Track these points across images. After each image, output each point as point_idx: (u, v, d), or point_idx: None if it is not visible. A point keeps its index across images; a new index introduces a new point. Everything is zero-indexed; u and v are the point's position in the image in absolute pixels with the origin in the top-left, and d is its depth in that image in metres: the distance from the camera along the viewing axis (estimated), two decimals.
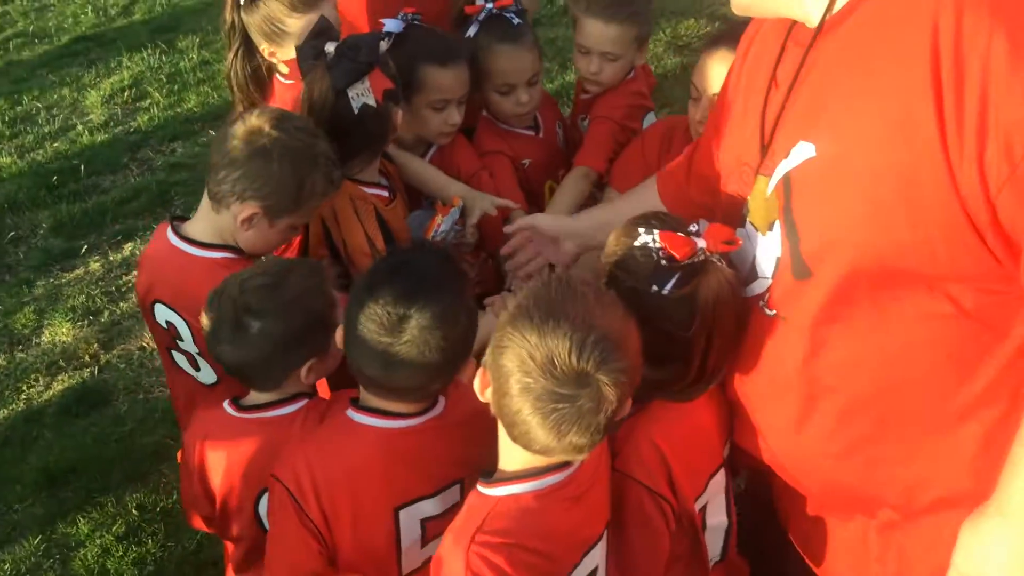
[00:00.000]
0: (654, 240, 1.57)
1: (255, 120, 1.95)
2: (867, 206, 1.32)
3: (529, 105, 2.60)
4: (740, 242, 1.57)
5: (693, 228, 1.59)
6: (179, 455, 2.01)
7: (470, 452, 1.66)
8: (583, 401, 1.36)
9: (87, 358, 3.61)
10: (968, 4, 1.19)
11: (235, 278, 1.84)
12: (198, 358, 2.08)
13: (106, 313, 3.83)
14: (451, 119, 2.46)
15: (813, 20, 1.43)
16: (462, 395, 1.71)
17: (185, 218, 2.13)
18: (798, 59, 1.46)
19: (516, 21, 2.54)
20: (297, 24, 2.39)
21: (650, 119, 2.77)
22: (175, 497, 2.96)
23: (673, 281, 1.55)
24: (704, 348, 1.59)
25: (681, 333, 1.56)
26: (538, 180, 2.70)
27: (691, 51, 5.15)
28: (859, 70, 1.33)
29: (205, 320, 1.84)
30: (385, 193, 2.30)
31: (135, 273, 4.00)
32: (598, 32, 2.57)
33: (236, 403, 1.89)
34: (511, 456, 1.50)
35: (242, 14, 2.45)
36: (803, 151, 1.40)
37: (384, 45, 2.17)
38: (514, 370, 1.38)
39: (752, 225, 1.57)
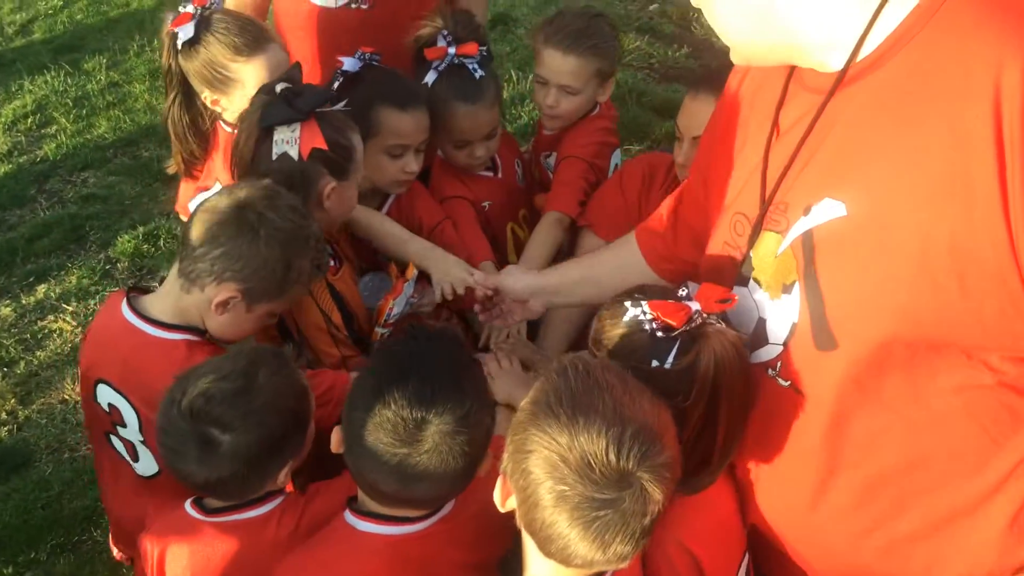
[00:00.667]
0: (644, 312, 1.45)
1: (242, 195, 1.78)
2: (914, 271, 1.22)
3: (485, 157, 2.49)
4: (735, 299, 1.47)
5: (682, 292, 1.48)
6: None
7: (484, 551, 1.52)
8: (627, 504, 1.22)
9: (3, 415, 3.34)
10: None
11: (194, 384, 1.61)
12: (139, 447, 1.89)
13: (22, 364, 3.55)
14: (408, 167, 2.32)
15: (829, 66, 1.32)
16: (472, 488, 1.55)
17: (145, 289, 1.95)
18: (808, 106, 1.35)
19: (479, 73, 2.40)
20: (242, 69, 2.24)
21: (616, 155, 2.69)
22: (109, 565, 2.75)
23: (674, 352, 1.43)
24: (711, 422, 1.47)
25: (682, 406, 1.44)
26: (499, 222, 2.59)
27: (621, 67, 5.10)
28: (901, 125, 1.22)
29: (162, 436, 1.65)
30: (331, 262, 2.13)
31: (51, 318, 3.81)
32: (556, 63, 2.48)
33: (199, 505, 1.69)
34: (541, 571, 1.35)
35: (180, 59, 2.27)
36: (829, 209, 1.30)
37: (341, 106, 2.03)
38: (545, 477, 1.24)
39: (757, 284, 1.45)
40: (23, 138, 4.89)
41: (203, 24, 2.26)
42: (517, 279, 2.13)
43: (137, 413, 1.84)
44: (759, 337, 1.47)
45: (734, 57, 1.48)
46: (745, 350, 1.49)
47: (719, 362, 1.43)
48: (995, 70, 1.11)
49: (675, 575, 1.51)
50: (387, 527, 1.51)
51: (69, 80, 5.31)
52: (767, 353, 1.46)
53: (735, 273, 1.50)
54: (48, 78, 5.32)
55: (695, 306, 1.45)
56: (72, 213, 4.32)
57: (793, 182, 1.37)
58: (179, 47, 2.27)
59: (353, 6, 2.63)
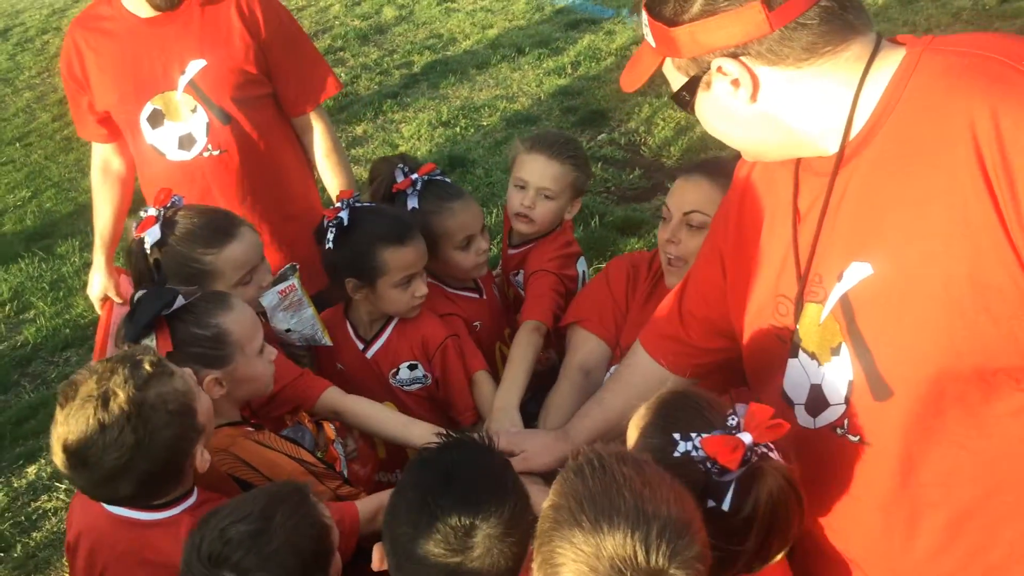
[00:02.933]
0: (696, 449, 1.43)
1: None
2: (944, 312, 1.32)
3: (487, 252, 2.60)
4: (787, 427, 1.46)
5: (732, 421, 1.46)
6: None
7: None
8: None
9: None
10: (1003, 108, 1.24)
11: (213, 527, 1.60)
12: None
13: (19, 547, 3.50)
14: (419, 291, 2.42)
15: (828, 151, 1.46)
16: None
17: None
18: (820, 189, 1.48)
19: (447, 180, 2.57)
20: (215, 261, 2.25)
21: (581, 263, 2.80)
22: None
23: (731, 494, 1.40)
24: (762, 551, 1.47)
25: (735, 547, 1.44)
26: (489, 342, 2.67)
27: None
28: (901, 184, 1.36)
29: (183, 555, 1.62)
30: (250, 428, 2.10)
31: (44, 498, 3.77)
32: (540, 167, 2.61)
33: None
34: None
35: (155, 257, 2.27)
36: (858, 271, 1.41)
37: (182, 300, 1.95)
38: None
39: (806, 354, 1.55)
40: (2, 326, 4.94)
41: (168, 225, 2.25)
42: (543, 450, 2.08)
43: None
44: (818, 401, 1.55)
45: (745, 156, 1.63)
46: (797, 480, 1.49)
47: (776, 502, 1.44)
48: (969, 121, 1.26)
49: None
50: None
51: (44, 265, 5.41)
52: (832, 414, 1.53)
53: (785, 352, 1.59)
54: (23, 266, 5.42)
55: (747, 439, 1.42)
56: (57, 393, 4.31)
57: (822, 256, 1.49)
58: (148, 250, 2.25)
59: (206, 154, 2.80)
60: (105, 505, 1.81)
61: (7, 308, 5.06)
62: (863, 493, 1.54)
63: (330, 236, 2.36)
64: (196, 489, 1.85)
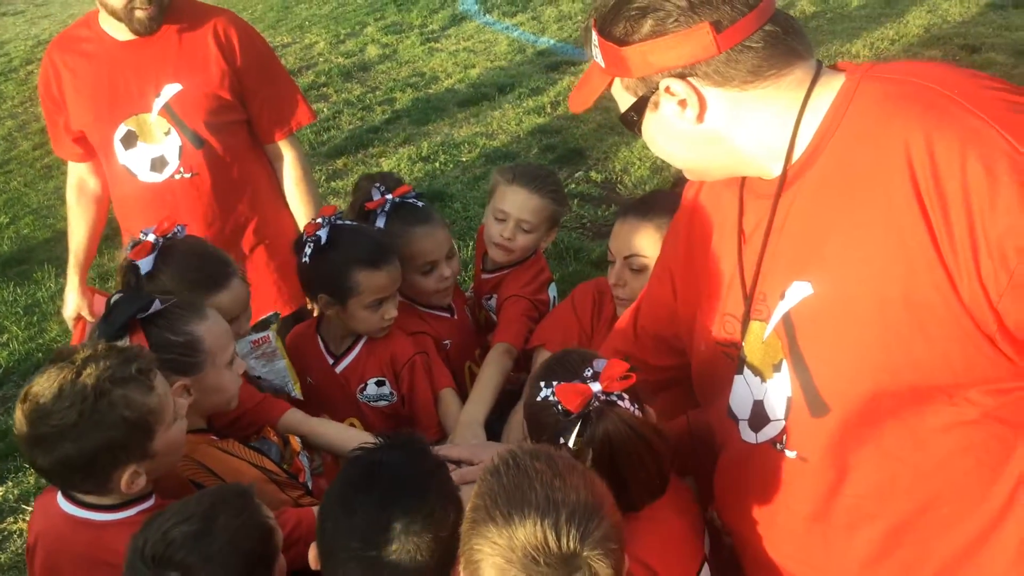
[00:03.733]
0: (552, 394, 1.62)
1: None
2: (879, 331, 1.36)
3: (451, 279, 2.64)
4: (635, 377, 1.63)
5: (588, 372, 1.63)
6: None
7: None
8: None
9: None
10: (936, 135, 1.29)
11: (157, 527, 1.62)
12: None
13: None
14: (388, 314, 2.46)
15: (771, 173, 1.51)
16: None
17: None
18: (763, 211, 1.53)
19: (420, 203, 2.61)
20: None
21: (552, 288, 2.85)
22: None
23: (574, 433, 1.59)
24: (620, 479, 1.58)
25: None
26: (458, 361, 2.70)
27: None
28: (841, 208, 1.40)
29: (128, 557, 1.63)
30: (214, 436, 2.13)
31: (10, 519, 3.75)
32: (521, 200, 2.66)
33: None
34: None
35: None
36: (799, 291, 1.45)
37: (158, 305, 1.96)
38: None
39: (751, 370, 1.59)
40: None
41: (162, 258, 2.20)
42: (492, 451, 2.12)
43: None
44: (760, 417, 1.59)
45: (688, 175, 1.67)
46: (644, 424, 1.66)
47: (611, 440, 1.60)
48: (904, 147, 1.31)
49: None
50: None
51: (19, 290, 5.40)
52: (772, 429, 1.58)
53: (732, 368, 1.64)
54: None
55: (595, 387, 1.61)
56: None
57: (767, 275, 1.54)
58: (140, 278, 2.20)
59: (177, 177, 2.86)
60: (62, 505, 1.83)
61: None
62: (800, 507, 1.57)
63: (307, 251, 2.40)
64: (153, 494, 1.86)
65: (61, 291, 5.30)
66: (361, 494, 1.50)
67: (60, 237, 5.95)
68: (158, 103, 2.78)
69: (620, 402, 1.62)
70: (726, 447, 1.71)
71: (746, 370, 1.60)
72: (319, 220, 2.43)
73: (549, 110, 6.96)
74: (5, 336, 4.99)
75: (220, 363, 2.05)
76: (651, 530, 1.66)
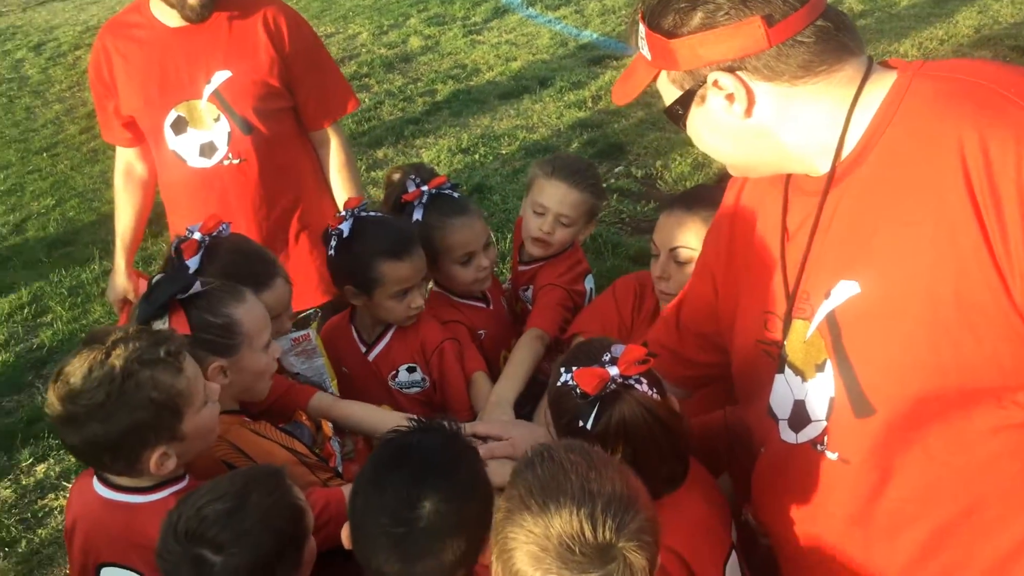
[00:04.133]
0: (571, 378, 1.66)
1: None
2: (929, 331, 1.35)
3: (489, 269, 2.66)
4: (652, 362, 1.66)
5: (607, 357, 1.67)
6: None
7: None
8: None
9: None
10: (990, 133, 1.28)
11: (191, 504, 1.66)
12: None
13: (23, 542, 3.54)
14: (414, 303, 2.48)
15: (818, 170, 1.49)
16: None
17: None
18: (809, 208, 1.51)
19: (456, 195, 2.63)
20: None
21: (589, 280, 2.85)
22: None
23: (593, 416, 1.63)
24: (639, 464, 1.58)
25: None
26: (494, 351, 2.71)
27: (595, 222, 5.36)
28: (891, 206, 1.38)
29: (159, 560, 1.66)
30: (247, 418, 2.15)
31: (51, 496, 3.82)
32: (560, 194, 2.67)
33: None
34: None
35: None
36: (845, 290, 1.44)
37: (199, 287, 1.99)
38: (532, 571, 1.30)
39: (792, 369, 1.58)
40: (20, 328, 5.01)
41: (208, 256, 2.22)
42: (530, 436, 2.07)
43: None
44: (800, 417, 1.58)
45: (732, 171, 1.66)
46: (662, 406, 1.68)
47: (628, 423, 1.63)
48: (958, 145, 1.30)
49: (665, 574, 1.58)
50: None
51: (64, 271, 5.49)
52: (813, 430, 1.56)
53: (773, 367, 1.63)
54: (43, 271, 5.50)
55: (613, 371, 1.64)
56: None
57: (811, 274, 1.52)
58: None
59: (226, 163, 2.89)
60: (97, 489, 1.87)
61: (25, 311, 5.14)
62: (840, 509, 1.56)
63: (332, 243, 2.43)
64: (187, 476, 1.89)
65: (105, 273, 5.42)
66: (392, 473, 1.53)
67: (105, 220, 6.05)
68: (208, 89, 2.82)
69: (637, 385, 1.66)
70: (765, 447, 1.71)
71: (787, 369, 1.59)
72: (343, 213, 2.46)
73: (590, 104, 6.94)
74: (49, 316, 5.08)
75: (256, 346, 2.08)
76: (676, 517, 1.65)
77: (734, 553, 1.79)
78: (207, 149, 2.88)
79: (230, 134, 2.85)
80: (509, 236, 5.02)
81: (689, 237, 2.27)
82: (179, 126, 2.87)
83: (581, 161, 2.88)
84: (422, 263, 2.46)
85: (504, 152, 6.37)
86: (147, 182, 3.16)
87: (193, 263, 2.21)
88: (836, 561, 1.61)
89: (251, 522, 1.64)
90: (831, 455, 1.54)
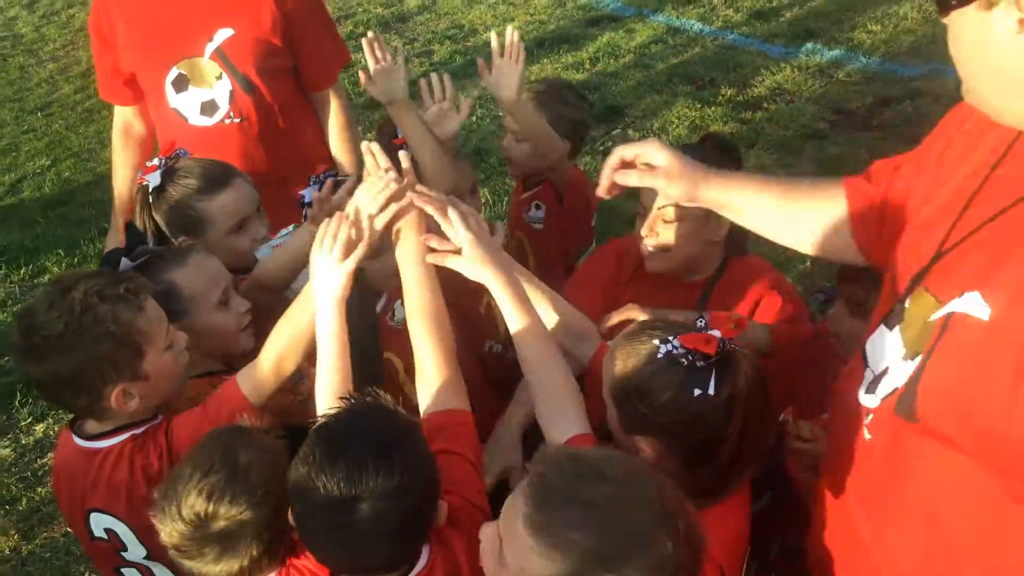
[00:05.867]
0: (676, 347, 1.56)
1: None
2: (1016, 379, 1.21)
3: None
4: (745, 322, 1.61)
5: (700, 323, 1.61)
6: None
7: None
8: None
9: (7, 551, 3.35)
10: None
11: (185, 491, 1.61)
12: (150, 565, 1.92)
13: (24, 500, 3.58)
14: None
15: None
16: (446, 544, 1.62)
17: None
18: (1014, 178, 1.31)
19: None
20: (208, 207, 2.35)
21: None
22: None
23: (713, 379, 1.55)
24: (742, 442, 1.58)
25: (719, 432, 1.57)
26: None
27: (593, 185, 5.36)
28: None
29: (178, 555, 1.64)
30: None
31: (50, 455, 3.84)
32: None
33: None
34: None
35: (152, 211, 2.38)
36: (977, 307, 1.28)
37: (126, 263, 2.01)
38: None
39: (900, 337, 1.44)
40: (16, 288, 5.01)
41: (168, 172, 2.36)
42: (660, 150, 1.78)
43: (128, 526, 1.88)
44: (876, 382, 1.49)
45: (974, 102, 1.36)
46: (763, 366, 1.61)
47: (751, 386, 1.58)
48: None
49: None
50: None
51: (60, 231, 5.48)
52: (871, 402, 1.49)
53: (885, 311, 1.50)
54: (39, 231, 5.49)
55: (716, 334, 1.57)
56: None
57: (968, 252, 1.34)
58: (150, 200, 2.36)
59: (227, 121, 2.89)
60: (74, 439, 1.91)
61: (22, 272, 5.13)
62: (864, 489, 1.53)
63: (304, 215, 2.43)
64: (159, 418, 1.93)
65: (102, 233, 5.40)
66: (325, 474, 1.47)
67: (101, 180, 6.03)
68: (210, 47, 2.80)
69: (738, 349, 1.61)
70: (844, 390, 1.60)
71: (897, 333, 1.45)
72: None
73: (588, 66, 6.90)
74: (46, 277, 5.07)
75: (207, 306, 2.11)
76: (725, 526, 1.64)
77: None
78: (208, 107, 2.87)
79: (232, 93, 2.84)
80: (506, 199, 5.02)
81: None
82: (180, 84, 2.85)
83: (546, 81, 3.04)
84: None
85: (501, 114, 6.32)
86: (145, 140, 3.14)
87: (154, 179, 2.35)
88: (852, 532, 1.58)
89: (254, 479, 1.63)
90: (867, 436, 1.50)
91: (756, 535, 1.78)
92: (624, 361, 1.64)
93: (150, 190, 2.36)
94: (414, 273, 1.84)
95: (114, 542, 1.91)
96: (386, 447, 1.51)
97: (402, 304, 2.39)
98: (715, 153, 2.35)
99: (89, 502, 1.90)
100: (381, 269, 2.39)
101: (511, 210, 3.12)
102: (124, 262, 2.02)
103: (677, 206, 2.23)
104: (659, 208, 2.28)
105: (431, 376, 1.80)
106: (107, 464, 1.87)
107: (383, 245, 1.91)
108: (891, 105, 6.07)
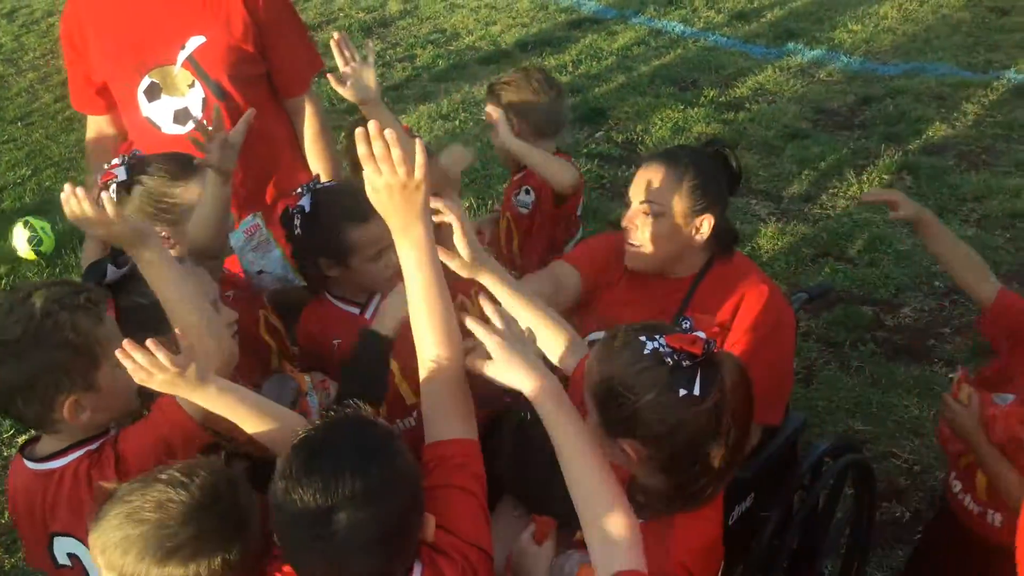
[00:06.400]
0: (662, 345, 1.56)
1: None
2: None
3: None
4: (717, 330, 1.62)
5: (685, 325, 1.62)
6: None
7: None
8: None
9: None
10: None
11: (154, 507, 1.54)
12: None
13: (5, 514, 3.54)
14: (391, 261, 2.43)
15: None
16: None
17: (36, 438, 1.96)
18: None
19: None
20: (185, 192, 2.35)
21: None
22: None
23: (699, 380, 1.53)
24: (724, 447, 1.58)
25: (704, 435, 1.56)
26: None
27: None
28: None
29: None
30: None
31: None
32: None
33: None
34: None
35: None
36: None
37: (113, 272, 2.00)
38: None
39: None
40: None
41: (133, 167, 2.35)
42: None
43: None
44: None
45: None
46: (747, 369, 1.61)
47: (736, 388, 1.57)
48: None
49: None
50: None
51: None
52: None
53: None
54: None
55: (702, 335, 1.57)
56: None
57: None
58: (115, 197, 2.21)
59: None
60: (26, 463, 1.88)
61: (3, 282, 5.09)
62: None
63: (297, 222, 2.41)
64: (111, 431, 1.90)
65: (82, 242, 5.37)
66: (302, 486, 1.47)
67: None
68: (182, 55, 2.79)
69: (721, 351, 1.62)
70: None
71: None
72: (299, 191, 2.45)
73: (571, 68, 6.91)
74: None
75: None
76: (697, 534, 1.64)
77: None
78: (181, 116, 2.85)
79: (204, 101, 2.82)
80: (491, 203, 5.01)
81: (660, 193, 2.29)
82: (152, 92, 2.83)
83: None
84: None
85: (484, 118, 6.32)
86: (119, 150, 3.11)
87: (120, 174, 2.35)
88: None
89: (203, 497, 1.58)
90: None
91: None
92: (609, 360, 1.62)
93: (116, 184, 2.33)
94: (426, 276, 1.71)
95: (78, 569, 1.87)
96: (363, 457, 1.50)
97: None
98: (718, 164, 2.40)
99: (51, 526, 1.86)
100: (381, 270, 2.41)
101: (505, 190, 3.21)
102: (111, 269, 1.98)
103: (658, 202, 2.26)
104: (641, 202, 2.31)
105: (437, 398, 1.74)
106: (64, 484, 1.83)
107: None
108: (872, 104, 6.09)
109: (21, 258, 5.25)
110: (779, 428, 2.41)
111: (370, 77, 2.47)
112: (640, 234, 2.31)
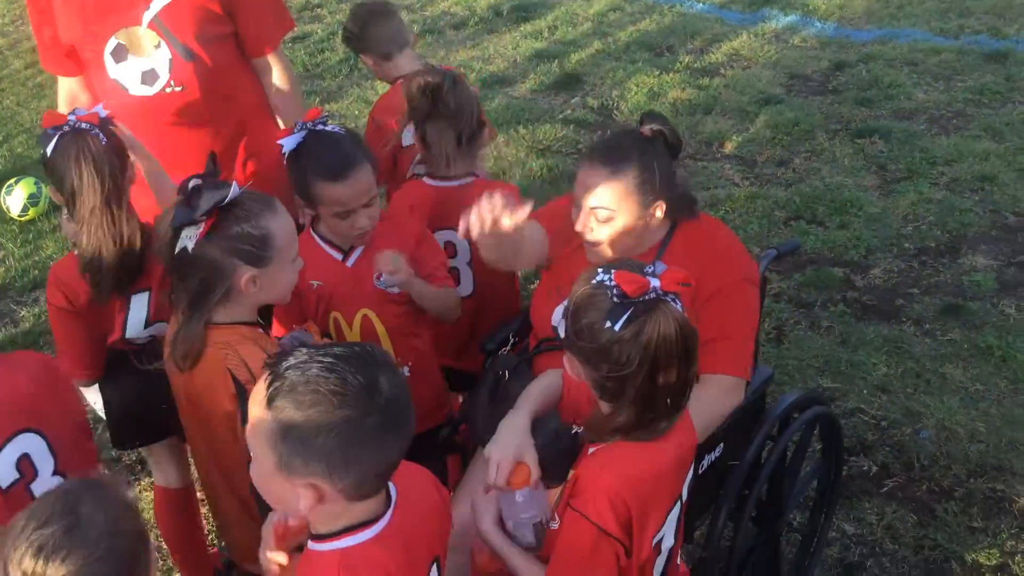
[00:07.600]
0: (609, 279, 1.64)
1: None
2: None
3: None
4: (693, 285, 1.65)
5: (649, 269, 1.67)
6: None
7: None
8: None
9: None
10: None
11: (21, 534, 1.44)
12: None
13: None
14: (358, 223, 2.47)
15: None
16: None
17: None
18: None
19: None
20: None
21: None
22: None
23: (624, 317, 1.62)
24: (652, 389, 1.65)
25: (622, 372, 1.64)
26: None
27: (552, 153, 5.39)
28: None
29: None
30: (261, 331, 2.17)
31: None
32: None
33: None
34: None
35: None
36: None
37: (235, 191, 2.00)
38: None
39: None
40: None
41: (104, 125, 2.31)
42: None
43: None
44: None
45: None
46: (690, 330, 1.67)
47: (661, 336, 1.62)
48: None
49: (602, 515, 1.66)
50: None
51: None
52: None
53: None
54: None
55: (655, 282, 1.63)
56: (26, 331, 4.38)
57: None
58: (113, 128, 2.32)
59: (168, 91, 2.84)
60: None
61: None
62: None
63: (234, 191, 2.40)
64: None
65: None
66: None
67: None
68: (147, 15, 2.76)
69: (674, 304, 1.66)
70: None
71: None
72: (295, 124, 2.45)
73: (546, 34, 6.90)
74: (1, 253, 5.01)
75: (287, 259, 2.11)
76: (640, 464, 1.71)
77: (679, 503, 1.83)
78: (148, 77, 2.83)
79: (171, 61, 2.81)
80: None
81: (608, 198, 2.22)
82: (119, 54, 2.81)
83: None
84: (363, 186, 2.43)
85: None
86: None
87: (103, 111, 2.33)
88: None
89: (96, 532, 1.47)
90: None
91: None
92: (579, 281, 1.73)
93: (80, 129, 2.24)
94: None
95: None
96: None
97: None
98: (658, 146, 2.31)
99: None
100: (347, 229, 2.47)
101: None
102: (234, 189, 1.99)
103: (607, 207, 2.23)
104: (591, 208, 2.26)
105: None
106: None
107: None
108: (845, 69, 6.13)
109: None
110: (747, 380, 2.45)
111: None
112: (595, 235, 2.27)
